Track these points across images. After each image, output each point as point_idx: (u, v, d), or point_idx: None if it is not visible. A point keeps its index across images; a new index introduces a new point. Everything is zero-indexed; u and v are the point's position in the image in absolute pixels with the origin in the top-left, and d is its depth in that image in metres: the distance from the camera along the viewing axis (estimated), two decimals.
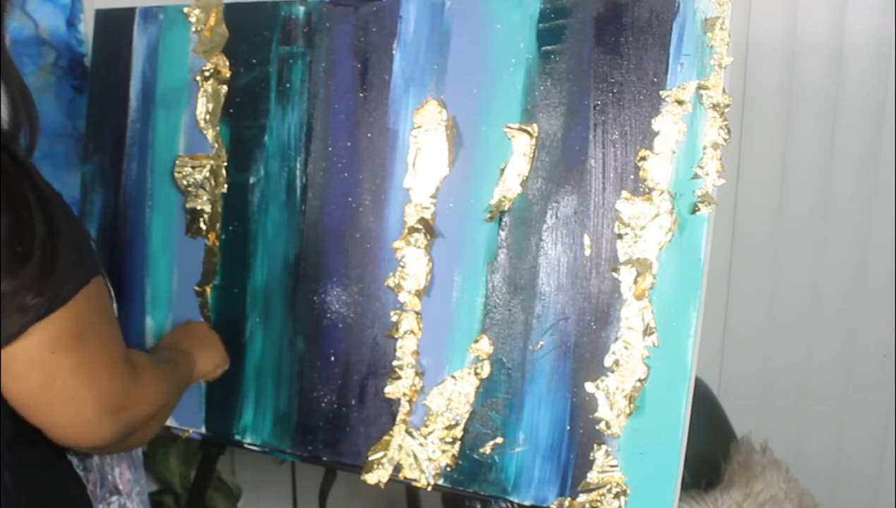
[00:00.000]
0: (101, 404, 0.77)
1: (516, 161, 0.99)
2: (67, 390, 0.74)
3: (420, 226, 1.03)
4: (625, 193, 0.95)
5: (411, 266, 1.04)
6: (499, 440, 1.01)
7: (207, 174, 1.15)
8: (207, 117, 1.15)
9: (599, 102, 0.96)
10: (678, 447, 0.93)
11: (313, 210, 1.10)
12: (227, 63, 1.14)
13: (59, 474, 0.85)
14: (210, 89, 1.15)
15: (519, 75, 0.99)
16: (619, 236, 0.95)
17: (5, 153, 0.71)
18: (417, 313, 1.04)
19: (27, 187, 0.71)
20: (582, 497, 0.97)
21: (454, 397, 1.02)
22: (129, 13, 1.21)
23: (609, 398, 0.95)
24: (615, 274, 0.95)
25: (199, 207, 1.17)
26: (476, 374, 1.01)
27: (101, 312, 0.78)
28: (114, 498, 0.94)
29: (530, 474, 0.99)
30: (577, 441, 0.97)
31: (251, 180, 1.14)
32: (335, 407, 1.09)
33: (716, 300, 1.59)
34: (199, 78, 1.15)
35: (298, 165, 1.11)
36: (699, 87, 0.91)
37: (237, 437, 1.16)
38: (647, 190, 0.93)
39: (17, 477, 0.78)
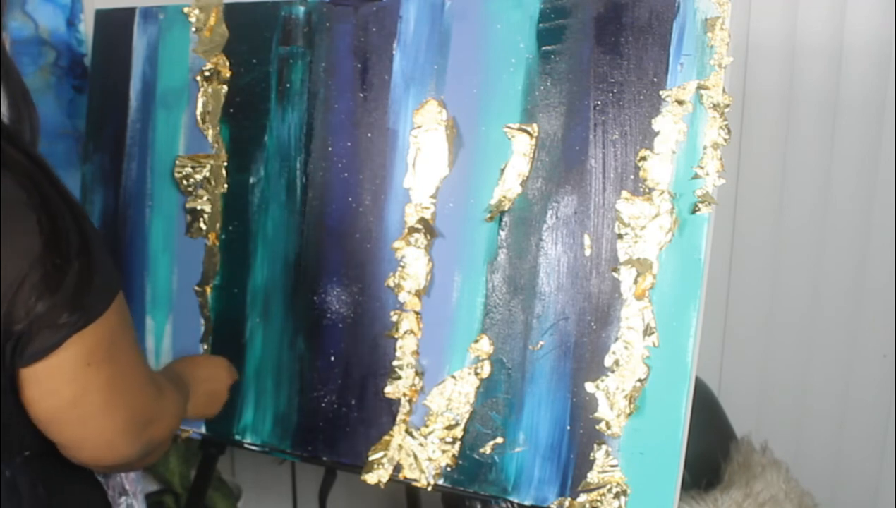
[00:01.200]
0: (129, 420, 0.75)
1: (516, 161, 0.99)
2: (98, 405, 0.72)
3: (420, 226, 1.03)
4: (625, 193, 0.95)
5: (411, 266, 1.04)
6: (499, 440, 1.01)
7: (207, 174, 1.15)
8: (207, 117, 1.15)
9: (599, 102, 0.95)
10: (678, 447, 0.93)
11: (313, 210, 1.10)
12: (227, 63, 1.14)
13: (84, 483, 0.84)
14: (210, 89, 1.15)
15: (519, 75, 0.99)
16: (620, 236, 0.95)
17: (32, 158, 0.68)
18: (417, 313, 1.04)
19: (54, 193, 0.68)
20: (582, 497, 0.97)
21: (454, 397, 1.02)
22: (129, 13, 1.21)
23: (609, 398, 0.95)
24: (615, 274, 0.95)
25: (199, 207, 1.16)
26: (476, 374, 1.01)
27: (128, 325, 0.76)
28: (122, 499, 0.96)
29: (530, 474, 0.99)
30: (578, 441, 0.97)
31: (251, 180, 1.14)
32: (335, 407, 1.09)
33: (716, 300, 1.59)
34: (199, 78, 1.15)
35: (298, 165, 1.11)
36: (699, 87, 0.91)
37: (237, 437, 1.16)
38: (647, 190, 0.93)
39: (47, 488, 0.77)
